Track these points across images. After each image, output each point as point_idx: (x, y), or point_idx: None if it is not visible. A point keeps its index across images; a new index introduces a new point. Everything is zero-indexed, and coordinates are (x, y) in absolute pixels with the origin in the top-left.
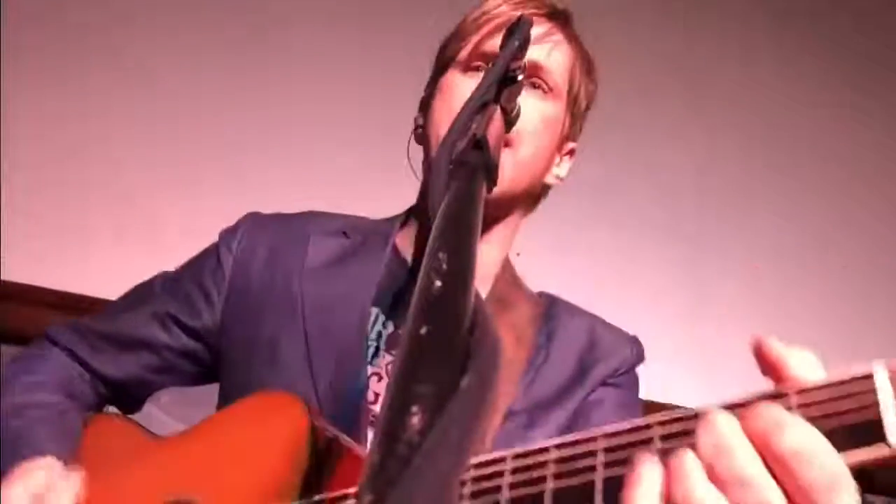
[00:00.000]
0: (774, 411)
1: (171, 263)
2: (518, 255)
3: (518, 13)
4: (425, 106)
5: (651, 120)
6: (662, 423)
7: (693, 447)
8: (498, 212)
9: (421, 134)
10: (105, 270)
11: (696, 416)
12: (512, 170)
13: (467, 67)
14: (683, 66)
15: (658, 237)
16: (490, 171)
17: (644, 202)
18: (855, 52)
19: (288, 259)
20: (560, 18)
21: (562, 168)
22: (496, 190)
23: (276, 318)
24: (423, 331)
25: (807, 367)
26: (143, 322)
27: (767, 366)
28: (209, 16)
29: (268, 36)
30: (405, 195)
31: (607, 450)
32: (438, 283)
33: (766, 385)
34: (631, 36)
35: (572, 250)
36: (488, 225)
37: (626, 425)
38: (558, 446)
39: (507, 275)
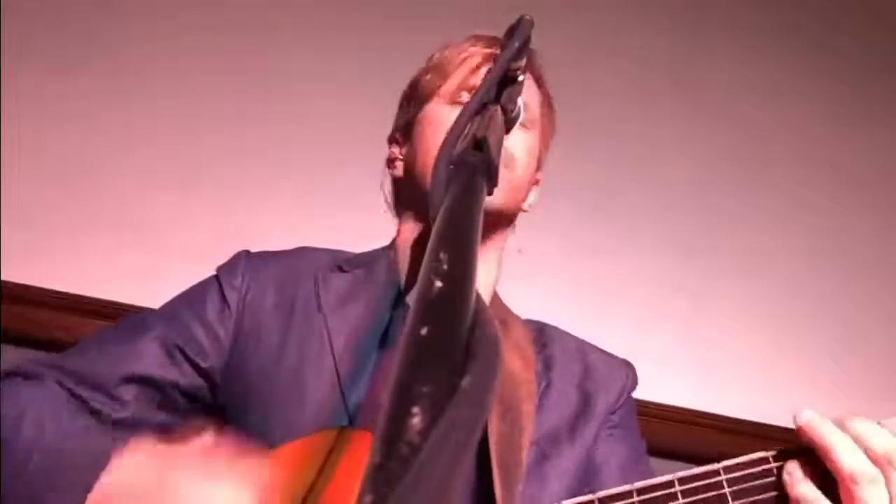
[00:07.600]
0: None
1: (170, 264)
2: (520, 251)
3: (490, 51)
4: (403, 137)
5: (651, 121)
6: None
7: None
8: (490, 229)
9: (402, 164)
10: (105, 271)
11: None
12: (509, 189)
13: (453, 101)
14: (683, 68)
15: (657, 237)
16: (491, 172)
17: (644, 203)
18: (857, 57)
19: (300, 298)
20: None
21: (531, 196)
22: (495, 203)
23: (297, 357)
24: (424, 331)
25: None
26: (144, 356)
27: None
28: (210, 18)
29: (269, 41)
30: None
31: (730, 481)
32: (439, 284)
33: (766, 385)
34: (632, 39)
35: (573, 251)
36: (483, 241)
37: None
38: (682, 480)
39: (499, 299)
